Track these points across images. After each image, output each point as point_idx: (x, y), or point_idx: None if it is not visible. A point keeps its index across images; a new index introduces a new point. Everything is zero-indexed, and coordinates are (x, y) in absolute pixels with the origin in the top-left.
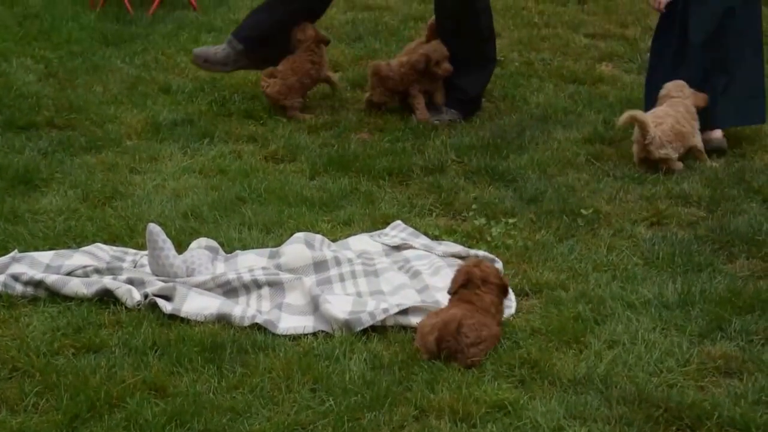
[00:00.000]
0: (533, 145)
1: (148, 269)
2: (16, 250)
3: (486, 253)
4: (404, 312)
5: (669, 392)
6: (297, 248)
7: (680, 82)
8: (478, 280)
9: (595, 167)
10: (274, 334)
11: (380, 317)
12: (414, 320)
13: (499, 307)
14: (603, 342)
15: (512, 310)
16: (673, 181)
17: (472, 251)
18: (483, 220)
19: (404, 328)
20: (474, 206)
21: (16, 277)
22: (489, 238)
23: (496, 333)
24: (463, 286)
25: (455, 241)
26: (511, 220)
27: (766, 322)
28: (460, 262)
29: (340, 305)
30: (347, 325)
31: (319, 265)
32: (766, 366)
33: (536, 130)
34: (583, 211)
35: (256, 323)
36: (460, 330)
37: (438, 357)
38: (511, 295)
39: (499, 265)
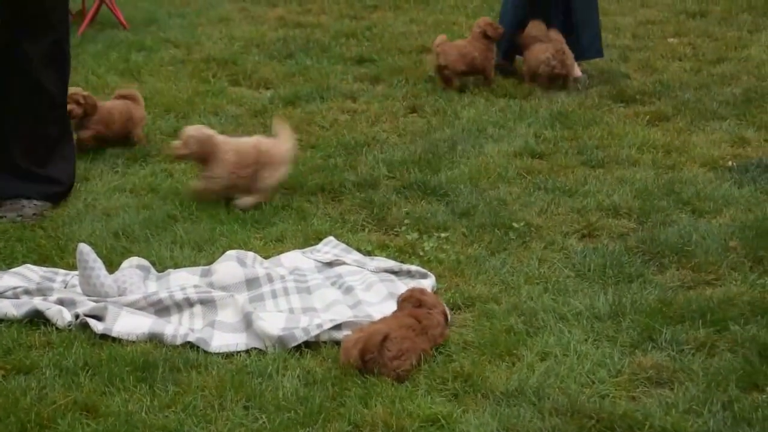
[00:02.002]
0: (465, 159)
1: (78, 289)
2: None
3: (419, 268)
4: (338, 327)
5: (601, 403)
6: (229, 266)
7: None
8: (428, 304)
9: (526, 180)
10: (206, 352)
11: (314, 333)
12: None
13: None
14: (535, 354)
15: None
16: (603, 194)
17: (405, 266)
18: (415, 235)
19: (338, 343)
20: (406, 221)
21: None
22: (421, 253)
23: (421, 346)
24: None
25: (388, 257)
26: (443, 235)
27: (696, 331)
28: (392, 277)
29: (273, 322)
30: (281, 342)
31: (252, 282)
32: (697, 375)
33: (468, 145)
34: (515, 225)
35: (189, 341)
36: (383, 344)
37: (362, 369)
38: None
39: (432, 279)
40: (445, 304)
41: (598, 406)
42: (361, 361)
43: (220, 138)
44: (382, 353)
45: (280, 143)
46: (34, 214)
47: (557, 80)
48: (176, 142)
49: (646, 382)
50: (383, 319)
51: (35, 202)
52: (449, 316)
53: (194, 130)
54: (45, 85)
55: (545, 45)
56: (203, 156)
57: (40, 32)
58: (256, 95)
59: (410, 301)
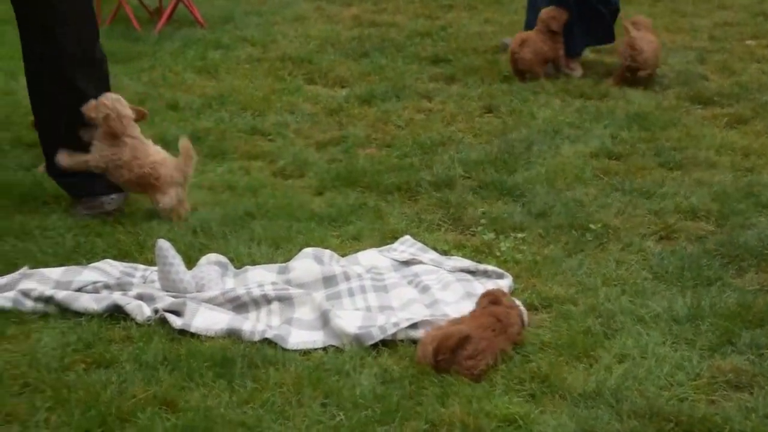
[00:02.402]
0: (541, 160)
1: (158, 285)
2: (26, 267)
3: (495, 268)
4: (414, 326)
5: (680, 406)
6: (306, 263)
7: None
8: (495, 299)
9: (603, 182)
10: (284, 349)
11: (391, 331)
12: (424, 334)
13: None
14: (613, 356)
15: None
16: (681, 196)
17: (482, 266)
18: (492, 235)
19: (414, 342)
20: (483, 221)
21: (26, 293)
22: (498, 253)
23: (499, 346)
24: (491, 304)
25: (464, 256)
26: (519, 235)
27: None
28: (469, 277)
29: (350, 320)
30: (358, 340)
31: (329, 280)
32: None
33: (544, 145)
34: (592, 226)
35: (266, 338)
36: (464, 346)
37: (435, 367)
38: (523, 310)
39: (508, 280)
40: (521, 305)
41: (676, 410)
42: (434, 360)
43: (136, 129)
44: (457, 353)
45: (174, 165)
46: (115, 210)
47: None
48: (92, 102)
49: (725, 386)
50: (462, 318)
51: (113, 196)
52: (526, 317)
53: (114, 101)
54: (78, 85)
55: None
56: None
57: (58, 33)
58: (332, 94)
59: (489, 299)
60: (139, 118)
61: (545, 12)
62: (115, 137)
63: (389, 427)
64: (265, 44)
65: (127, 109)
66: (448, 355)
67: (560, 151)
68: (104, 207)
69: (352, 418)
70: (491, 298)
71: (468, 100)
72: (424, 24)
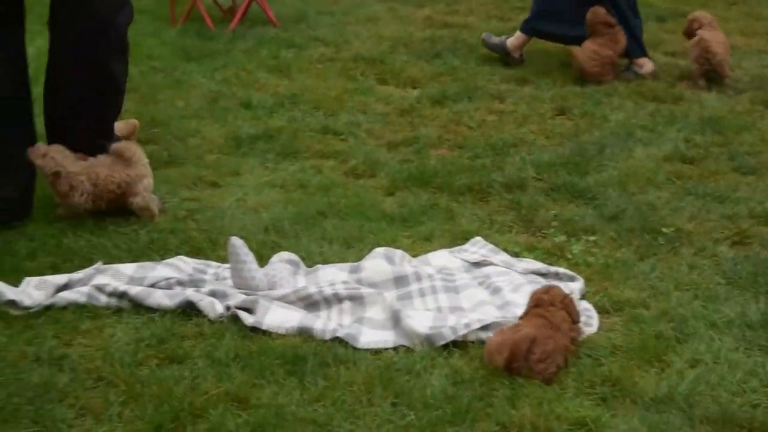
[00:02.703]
0: (613, 163)
1: (230, 282)
2: (100, 262)
3: (567, 271)
4: (485, 327)
5: (753, 412)
6: (377, 263)
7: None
8: (546, 303)
9: (676, 185)
10: (355, 348)
11: (462, 332)
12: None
13: (571, 325)
14: (685, 361)
15: (594, 328)
16: (755, 201)
17: (553, 268)
18: (563, 238)
19: (485, 343)
20: (554, 223)
21: (100, 288)
22: (569, 256)
23: (565, 345)
24: (534, 307)
25: (535, 258)
26: (591, 238)
27: None
28: (540, 279)
29: (421, 320)
30: (429, 340)
31: (400, 280)
32: None
33: (616, 148)
34: (665, 230)
35: (337, 337)
36: (532, 349)
37: (509, 373)
38: (593, 313)
39: (580, 282)
40: (574, 301)
41: (749, 416)
42: (508, 368)
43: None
44: (527, 358)
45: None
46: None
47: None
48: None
49: None
50: (519, 323)
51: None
52: (578, 313)
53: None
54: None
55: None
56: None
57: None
58: (404, 94)
59: (533, 302)
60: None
61: (593, 14)
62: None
63: (459, 428)
64: (337, 44)
65: (72, 165)
66: (522, 362)
67: (633, 154)
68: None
69: (423, 418)
70: (535, 301)
71: (540, 101)
72: (497, 25)
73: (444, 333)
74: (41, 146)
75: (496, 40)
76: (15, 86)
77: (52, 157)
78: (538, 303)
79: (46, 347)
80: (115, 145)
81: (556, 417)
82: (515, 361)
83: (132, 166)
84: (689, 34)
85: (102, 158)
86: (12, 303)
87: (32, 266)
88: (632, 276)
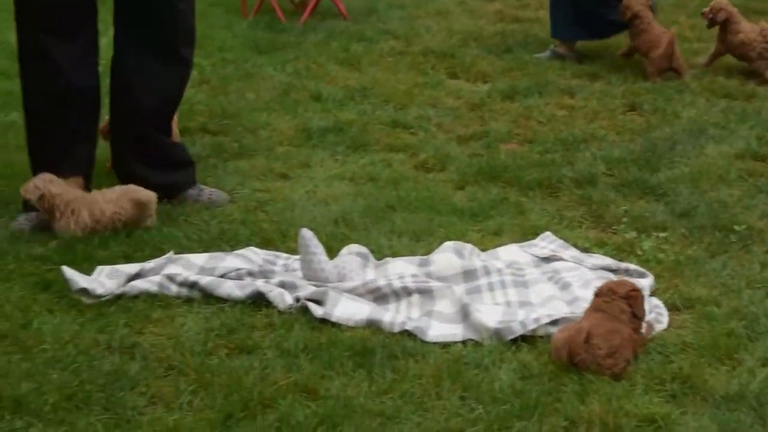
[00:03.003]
0: (685, 160)
1: (299, 273)
2: (171, 252)
3: (637, 267)
4: (554, 322)
5: None
6: (447, 257)
7: None
8: (605, 293)
9: (748, 183)
10: (423, 341)
11: (531, 326)
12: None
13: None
14: (757, 359)
15: (664, 325)
16: None
17: (623, 264)
18: (634, 234)
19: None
20: (624, 219)
21: (171, 278)
22: (640, 252)
23: (630, 337)
24: (595, 298)
25: (605, 254)
26: (662, 234)
27: None
28: (610, 275)
29: (490, 314)
30: (498, 334)
31: (469, 274)
32: None
33: (688, 145)
34: (736, 227)
35: (406, 330)
36: (590, 341)
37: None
38: (663, 310)
39: (650, 279)
40: (642, 298)
41: None
42: (572, 363)
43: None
44: (591, 352)
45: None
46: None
47: None
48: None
49: None
50: (587, 316)
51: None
52: (644, 310)
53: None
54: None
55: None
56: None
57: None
58: (474, 89)
59: (596, 296)
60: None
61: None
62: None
63: (528, 422)
64: (408, 38)
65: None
66: (583, 354)
67: (704, 151)
68: (215, 194)
69: (491, 412)
70: (597, 291)
71: (611, 97)
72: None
73: (513, 327)
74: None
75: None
76: (90, 79)
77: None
78: (599, 293)
79: (118, 335)
80: (137, 192)
81: (625, 413)
82: (576, 356)
83: (142, 216)
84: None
85: (107, 193)
86: (84, 291)
87: (104, 255)
88: (703, 273)
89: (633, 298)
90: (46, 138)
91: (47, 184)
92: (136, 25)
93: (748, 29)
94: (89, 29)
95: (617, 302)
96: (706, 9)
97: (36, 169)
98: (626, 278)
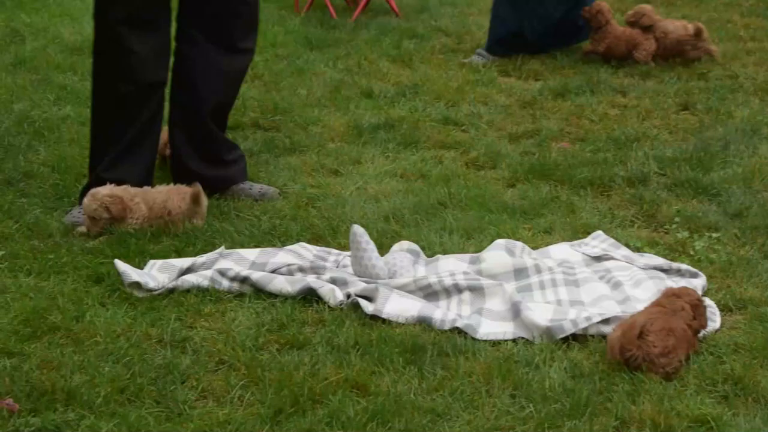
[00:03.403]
0: (738, 160)
1: (350, 269)
2: (223, 247)
3: (689, 267)
4: (606, 321)
5: None
6: (498, 254)
7: None
8: (670, 294)
9: None
10: (474, 339)
11: (582, 325)
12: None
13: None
14: None
15: (716, 325)
16: None
17: (675, 264)
18: (686, 234)
19: (605, 337)
20: (677, 219)
21: (222, 273)
22: (692, 252)
23: (686, 337)
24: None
25: (657, 254)
26: (714, 235)
27: None
28: (662, 275)
29: (541, 312)
30: (549, 333)
31: (520, 272)
32: None
33: (741, 145)
34: None
35: (456, 327)
36: (644, 338)
37: (627, 364)
38: (716, 310)
39: (702, 279)
40: (711, 305)
41: None
42: (623, 358)
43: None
44: (644, 349)
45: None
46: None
47: None
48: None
49: None
50: (639, 313)
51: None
52: (706, 319)
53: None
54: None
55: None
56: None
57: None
58: (526, 86)
59: (667, 296)
60: None
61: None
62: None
63: (578, 421)
64: (459, 35)
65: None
66: (634, 350)
67: (758, 152)
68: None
69: (541, 411)
70: (670, 296)
71: (664, 96)
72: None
73: (564, 326)
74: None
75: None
76: (164, 74)
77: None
78: (665, 293)
79: (169, 329)
80: (195, 189)
81: (677, 414)
82: (627, 351)
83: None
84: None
85: (161, 188)
86: (137, 285)
87: (156, 249)
88: (756, 274)
89: (698, 306)
90: (115, 131)
91: (110, 194)
92: (203, 17)
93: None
94: (166, 23)
95: (680, 301)
96: (630, 12)
97: (96, 164)
98: (678, 279)
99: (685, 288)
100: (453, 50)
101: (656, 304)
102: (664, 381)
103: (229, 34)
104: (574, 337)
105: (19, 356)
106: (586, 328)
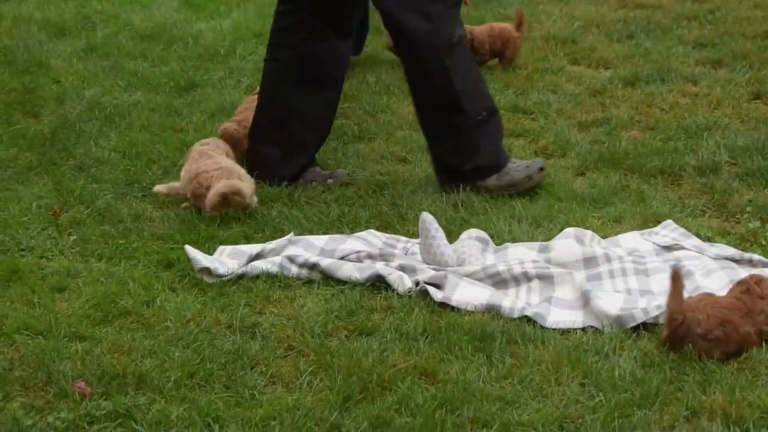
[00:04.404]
0: None
1: (419, 257)
2: (292, 233)
3: (761, 257)
4: None
5: None
6: (567, 243)
7: None
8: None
9: None
10: (543, 327)
11: (653, 314)
12: None
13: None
14: None
15: None
16: None
17: (747, 255)
18: (758, 224)
19: None
20: (748, 209)
21: (291, 259)
22: (764, 242)
23: (742, 333)
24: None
25: (728, 244)
26: None
27: None
28: (733, 265)
29: (611, 301)
30: (619, 321)
31: (589, 261)
32: None
33: None
34: None
35: (525, 315)
36: (694, 314)
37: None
38: None
39: None
40: None
41: None
42: (667, 326)
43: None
44: (690, 332)
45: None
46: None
47: None
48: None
49: None
50: (699, 299)
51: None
52: None
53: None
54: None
55: None
56: None
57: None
58: (595, 75)
59: (741, 285)
60: None
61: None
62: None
63: (648, 411)
64: (529, 23)
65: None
66: (684, 331)
67: None
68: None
69: (611, 400)
70: (745, 286)
71: (735, 85)
72: (691, 7)
73: (635, 314)
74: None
75: None
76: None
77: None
78: (748, 286)
79: (239, 315)
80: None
81: (748, 404)
82: (674, 319)
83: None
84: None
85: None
86: (206, 270)
87: (226, 235)
88: None
89: None
90: (289, 125)
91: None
92: None
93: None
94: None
95: (763, 302)
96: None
97: (264, 154)
98: (750, 269)
99: (756, 279)
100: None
101: (736, 296)
102: (735, 371)
103: None
104: (644, 326)
105: (90, 340)
106: (657, 317)
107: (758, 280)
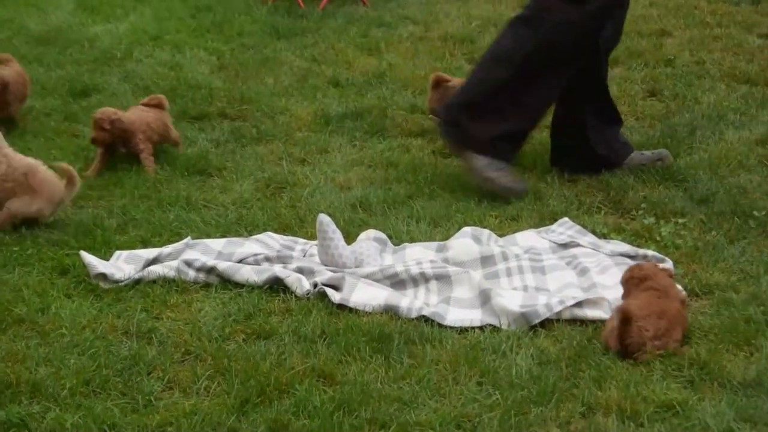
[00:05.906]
0: (704, 146)
1: (317, 259)
2: (189, 237)
3: (655, 253)
4: (579, 304)
5: None
6: (464, 242)
7: None
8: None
9: (767, 169)
10: (441, 326)
11: (557, 309)
12: (589, 313)
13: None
14: None
15: None
16: None
17: (641, 251)
18: (652, 220)
19: (579, 321)
20: (643, 205)
21: (189, 263)
22: (658, 238)
23: (679, 313)
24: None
25: (623, 240)
26: (680, 220)
27: None
28: (628, 261)
29: (512, 299)
30: (524, 318)
31: (486, 260)
32: None
33: (707, 130)
34: (756, 213)
35: (423, 315)
36: (636, 323)
37: (625, 354)
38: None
39: (669, 264)
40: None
41: None
42: (623, 348)
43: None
44: (639, 335)
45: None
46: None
47: None
48: None
49: None
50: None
51: None
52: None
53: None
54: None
55: None
56: None
57: None
58: None
59: (638, 279)
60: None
61: None
62: None
63: (545, 408)
64: (427, 23)
65: None
66: (634, 337)
67: (724, 137)
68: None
69: (508, 397)
70: (640, 277)
71: (631, 83)
72: None
73: (539, 311)
74: None
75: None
76: None
77: None
78: (638, 280)
79: (135, 320)
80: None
81: (643, 399)
82: (626, 338)
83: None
84: None
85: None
86: (102, 276)
87: (122, 240)
88: (722, 259)
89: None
90: None
91: None
92: None
93: None
94: None
95: (664, 276)
96: None
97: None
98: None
99: (641, 264)
100: (420, 38)
101: (646, 289)
102: (630, 367)
103: None
104: (542, 323)
105: None
106: (560, 312)
107: (638, 269)
